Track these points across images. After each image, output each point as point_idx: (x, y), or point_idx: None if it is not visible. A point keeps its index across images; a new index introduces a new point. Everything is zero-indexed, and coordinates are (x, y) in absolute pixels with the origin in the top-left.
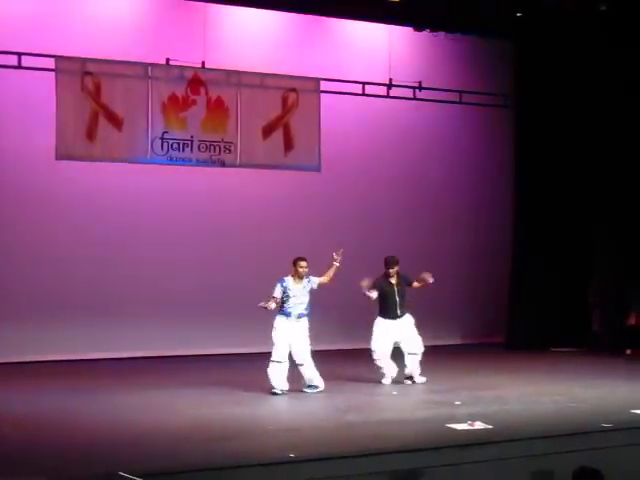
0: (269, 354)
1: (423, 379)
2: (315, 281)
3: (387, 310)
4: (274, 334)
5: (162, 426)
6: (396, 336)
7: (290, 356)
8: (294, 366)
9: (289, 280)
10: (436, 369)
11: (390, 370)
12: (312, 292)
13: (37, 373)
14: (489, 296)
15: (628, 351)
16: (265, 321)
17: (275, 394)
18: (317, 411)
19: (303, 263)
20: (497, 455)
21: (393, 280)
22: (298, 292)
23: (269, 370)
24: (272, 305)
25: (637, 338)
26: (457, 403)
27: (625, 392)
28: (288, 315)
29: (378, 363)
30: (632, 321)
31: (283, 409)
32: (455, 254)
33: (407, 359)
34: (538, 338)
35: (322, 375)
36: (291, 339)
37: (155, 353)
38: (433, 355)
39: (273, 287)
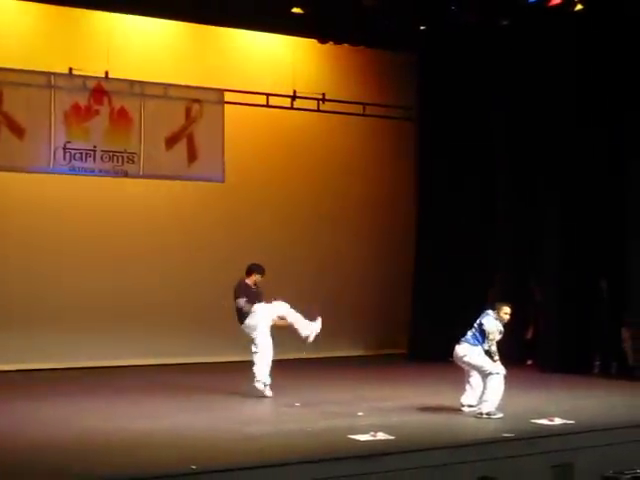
0: (171, 365)
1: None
2: None
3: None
4: None
5: (57, 439)
6: None
7: None
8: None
9: None
10: (338, 380)
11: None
12: None
13: None
14: (391, 307)
15: (529, 361)
16: (169, 331)
17: None
18: (219, 422)
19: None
20: (399, 466)
21: (255, 289)
22: None
23: None
24: None
25: (535, 350)
26: (359, 414)
27: (525, 402)
28: None
29: None
30: (528, 335)
31: (185, 421)
32: (358, 264)
33: None
34: (440, 349)
35: (222, 388)
36: None
37: (57, 365)
38: (335, 366)
39: None
